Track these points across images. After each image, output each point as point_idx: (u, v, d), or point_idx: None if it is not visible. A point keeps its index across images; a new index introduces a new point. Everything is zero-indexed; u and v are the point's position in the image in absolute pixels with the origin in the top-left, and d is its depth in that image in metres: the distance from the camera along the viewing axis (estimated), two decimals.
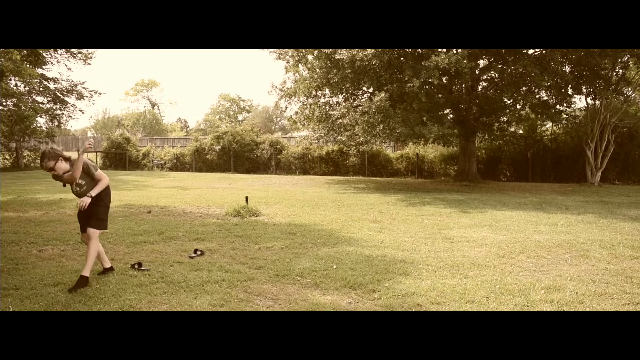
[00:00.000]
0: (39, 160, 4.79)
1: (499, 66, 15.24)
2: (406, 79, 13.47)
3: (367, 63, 13.60)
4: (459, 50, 13.34)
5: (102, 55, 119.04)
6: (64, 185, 4.94)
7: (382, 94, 13.95)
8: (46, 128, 25.88)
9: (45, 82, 24.81)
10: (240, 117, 70.84)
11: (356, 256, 5.91)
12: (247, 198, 9.68)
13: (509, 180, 19.81)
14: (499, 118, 17.09)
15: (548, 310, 4.02)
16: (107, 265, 5.11)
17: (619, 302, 4.25)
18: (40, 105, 24.84)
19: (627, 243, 6.71)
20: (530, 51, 14.79)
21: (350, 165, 23.00)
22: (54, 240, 6.70)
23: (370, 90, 15.99)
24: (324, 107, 17.54)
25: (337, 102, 17.56)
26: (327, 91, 16.86)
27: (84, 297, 4.31)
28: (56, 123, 26.36)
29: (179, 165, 27.27)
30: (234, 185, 16.28)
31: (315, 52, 14.89)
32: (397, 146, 24.26)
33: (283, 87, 18.02)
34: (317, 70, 15.30)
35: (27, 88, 24.08)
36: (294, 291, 4.55)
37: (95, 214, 4.82)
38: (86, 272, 4.63)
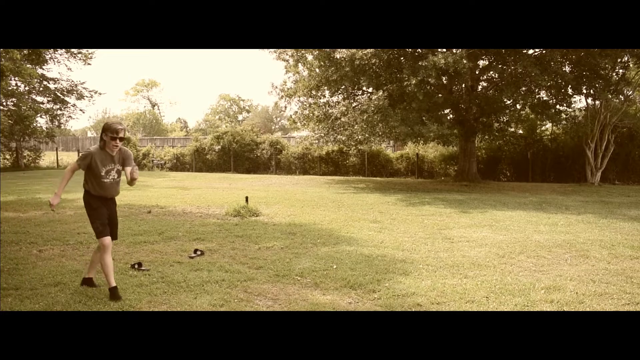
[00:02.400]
0: (121, 129, 4.24)
1: (499, 66, 15.22)
2: (405, 78, 13.47)
3: (366, 62, 13.59)
4: (458, 50, 13.33)
5: (102, 55, 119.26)
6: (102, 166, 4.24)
7: (380, 93, 13.94)
8: (46, 128, 25.85)
9: (46, 82, 24.78)
10: (240, 117, 70.85)
11: (356, 256, 5.91)
12: (247, 198, 9.68)
13: (509, 180, 19.80)
14: (498, 118, 17.09)
15: (548, 310, 4.03)
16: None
17: (619, 302, 4.25)
18: (40, 105, 24.80)
19: (627, 243, 6.71)
20: (530, 51, 14.78)
21: (350, 165, 22.99)
22: (54, 240, 6.69)
23: (370, 90, 15.99)
24: (323, 107, 17.54)
25: (336, 101, 17.55)
26: (326, 90, 16.84)
27: (84, 297, 4.32)
28: (56, 123, 26.33)
29: (179, 165, 27.26)
30: (234, 185, 16.28)
31: (316, 51, 14.87)
32: (397, 146, 24.25)
33: (283, 87, 18.01)
34: (317, 69, 15.29)
35: (27, 88, 24.05)
36: (294, 291, 4.55)
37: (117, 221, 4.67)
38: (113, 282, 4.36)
